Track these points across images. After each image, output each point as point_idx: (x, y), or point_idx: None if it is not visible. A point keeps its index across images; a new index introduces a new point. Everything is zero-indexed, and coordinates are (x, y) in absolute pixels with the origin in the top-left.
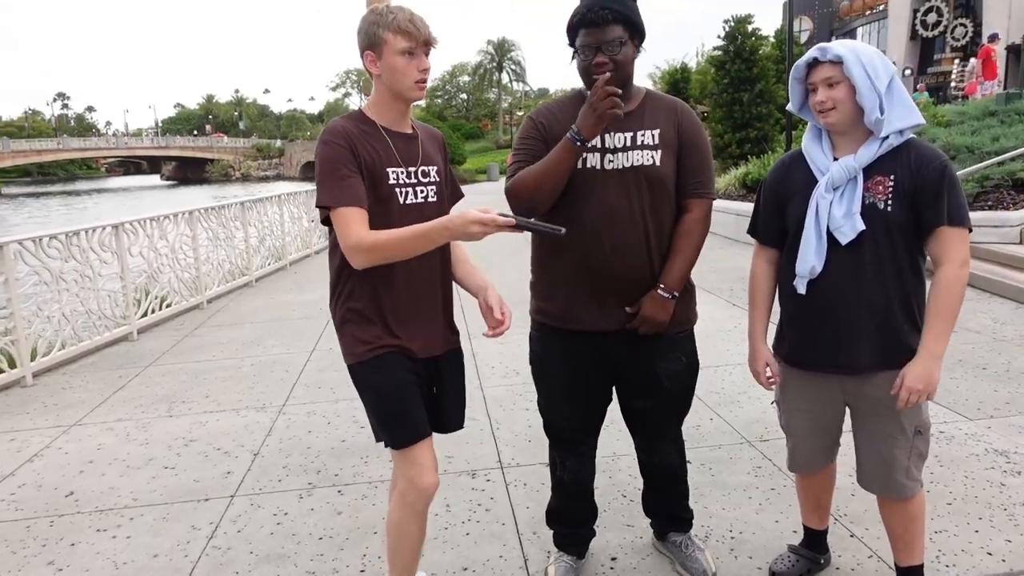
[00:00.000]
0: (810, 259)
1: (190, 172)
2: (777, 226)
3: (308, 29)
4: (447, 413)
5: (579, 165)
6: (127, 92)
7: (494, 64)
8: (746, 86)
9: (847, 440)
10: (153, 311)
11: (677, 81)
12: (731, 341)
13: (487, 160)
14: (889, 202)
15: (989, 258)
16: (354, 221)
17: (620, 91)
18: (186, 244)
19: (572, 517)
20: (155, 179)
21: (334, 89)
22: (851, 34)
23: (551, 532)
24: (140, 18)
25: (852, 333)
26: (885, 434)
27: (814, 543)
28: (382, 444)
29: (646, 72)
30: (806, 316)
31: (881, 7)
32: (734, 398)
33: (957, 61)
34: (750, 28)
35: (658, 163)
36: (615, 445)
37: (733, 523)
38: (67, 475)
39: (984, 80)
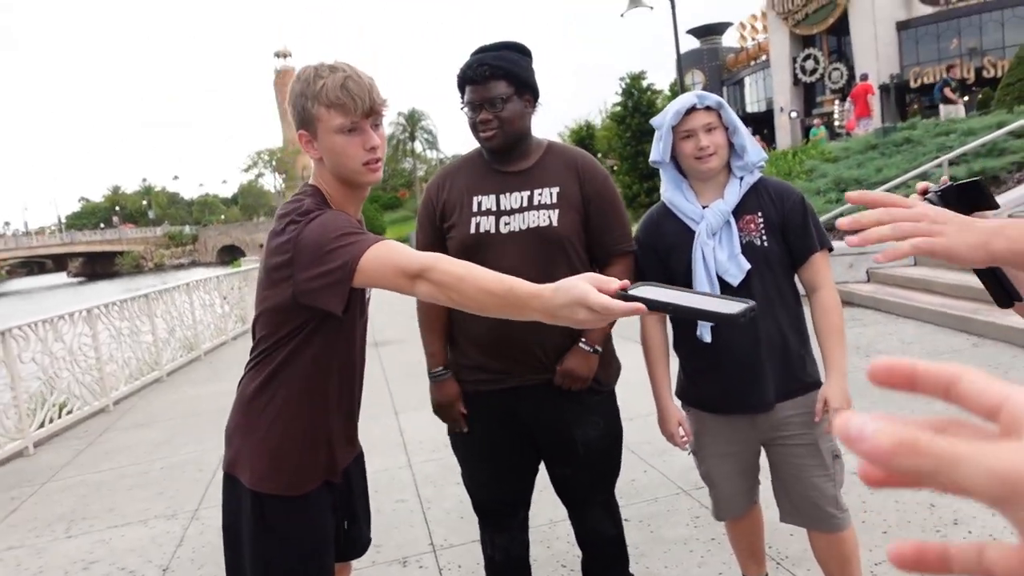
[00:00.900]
0: None
1: (99, 267)
2: (662, 281)
3: (215, 112)
4: (357, 535)
5: (472, 229)
6: (25, 189)
7: (406, 134)
8: (647, 137)
9: (768, 482)
10: (51, 420)
11: (583, 139)
12: None
13: (407, 229)
14: (764, 238)
15: (889, 282)
16: (400, 245)
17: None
18: (86, 344)
19: None
20: (62, 276)
21: (246, 170)
22: (739, 84)
23: None
24: (38, 112)
25: (757, 371)
26: (806, 464)
27: None
28: None
29: (556, 132)
30: (713, 363)
31: (763, 57)
32: (666, 447)
33: (837, 102)
34: (644, 84)
35: (555, 223)
36: (552, 512)
37: None
38: None
39: (860, 117)
